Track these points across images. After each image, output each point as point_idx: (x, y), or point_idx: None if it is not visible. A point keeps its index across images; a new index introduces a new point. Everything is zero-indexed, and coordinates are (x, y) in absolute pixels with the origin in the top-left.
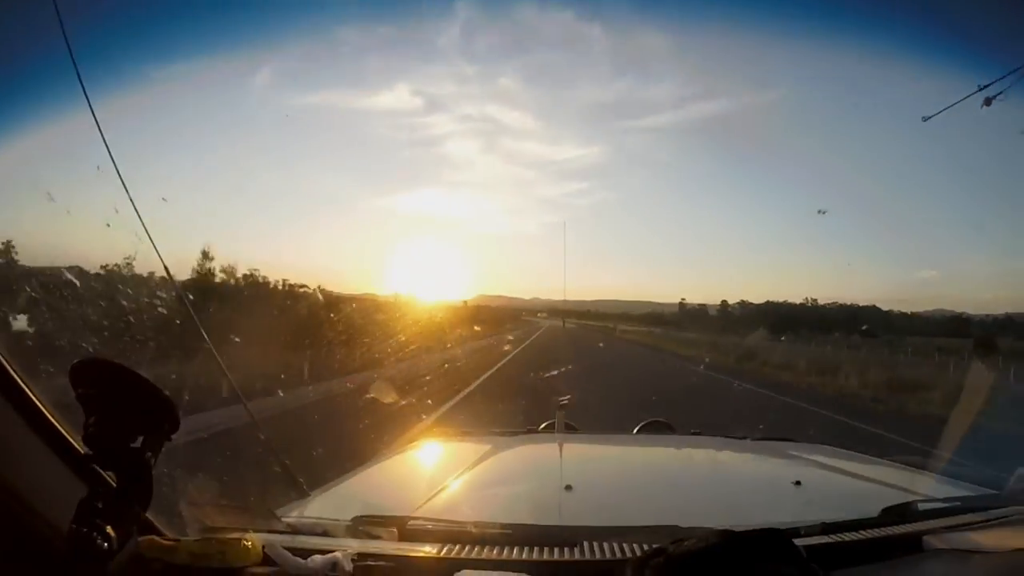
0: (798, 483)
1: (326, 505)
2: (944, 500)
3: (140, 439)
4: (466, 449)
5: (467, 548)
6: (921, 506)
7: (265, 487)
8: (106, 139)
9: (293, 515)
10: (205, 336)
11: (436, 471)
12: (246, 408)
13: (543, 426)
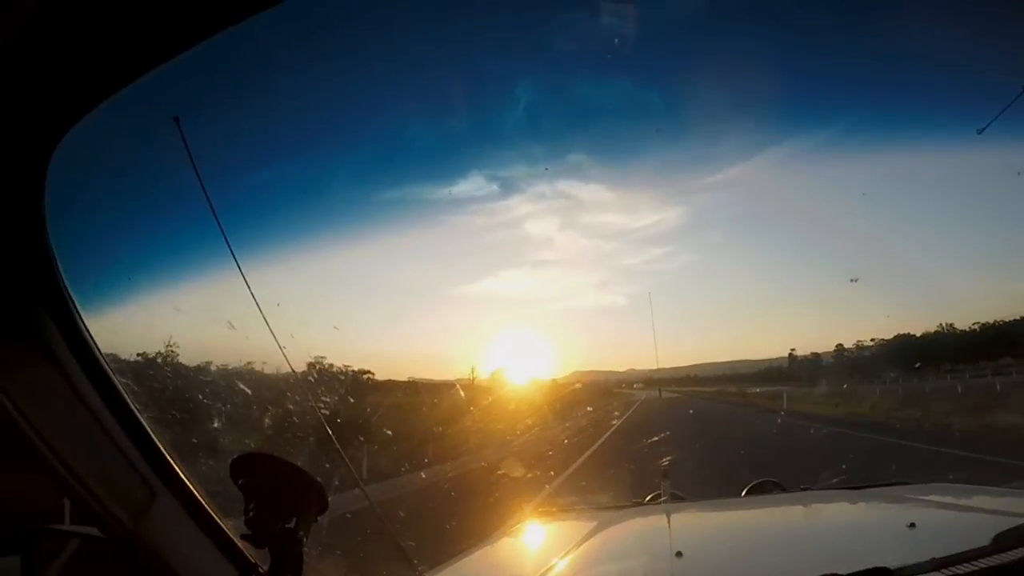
0: (912, 525)
1: None
2: None
3: (293, 520)
4: (574, 527)
5: None
6: None
7: (379, 568)
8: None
9: None
10: (328, 428)
11: (544, 551)
12: (364, 492)
13: (649, 497)
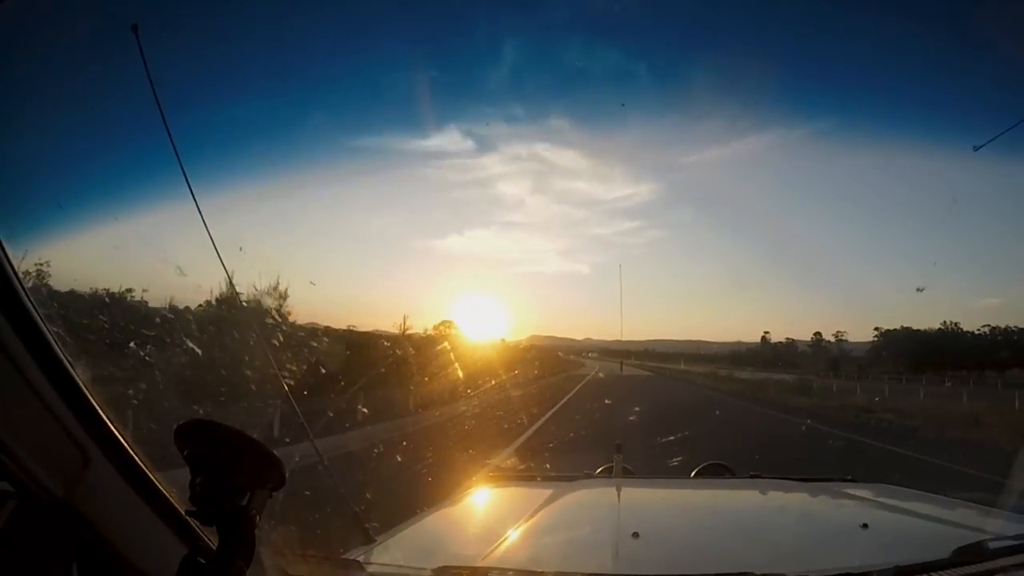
0: (865, 526)
1: (395, 552)
2: (1017, 537)
3: (246, 497)
4: (527, 495)
5: None
6: (993, 544)
7: (331, 532)
8: (197, 198)
9: (360, 560)
10: (285, 383)
11: (499, 517)
12: (316, 450)
13: (600, 469)
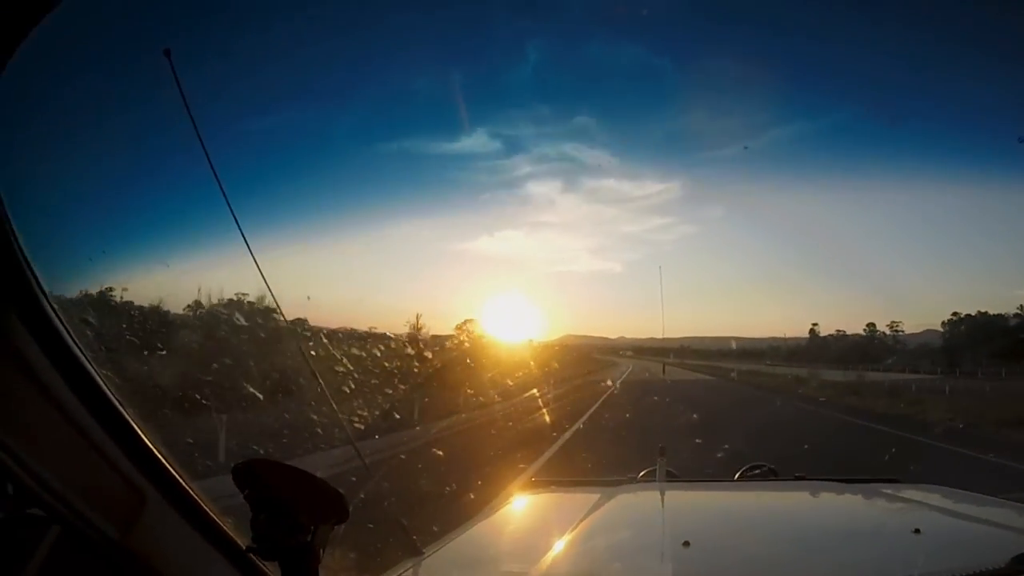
0: (917, 531)
1: (446, 566)
2: None
3: (310, 533)
4: (571, 501)
5: None
6: None
7: (385, 550)
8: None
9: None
10: (321, 383)
11: (545, 527)
12: (363, 462)
13: (643, 473)
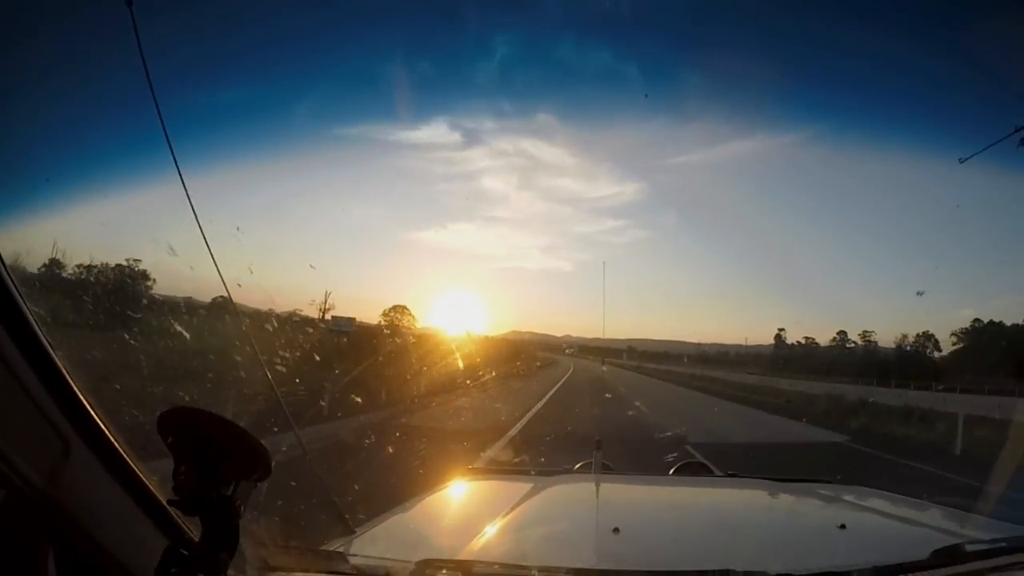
0: (843, 526)
1: (376, 543)
2: (992, 541)
3: (231, 487)
4: (507, 488)
5: None
6: (970, 547)
7: (314, 525)
8: (184, 181)
9: (342, 551)
10: (268, 371)
11: (480, 511)
12: (297, 439)
13: (579, 465)
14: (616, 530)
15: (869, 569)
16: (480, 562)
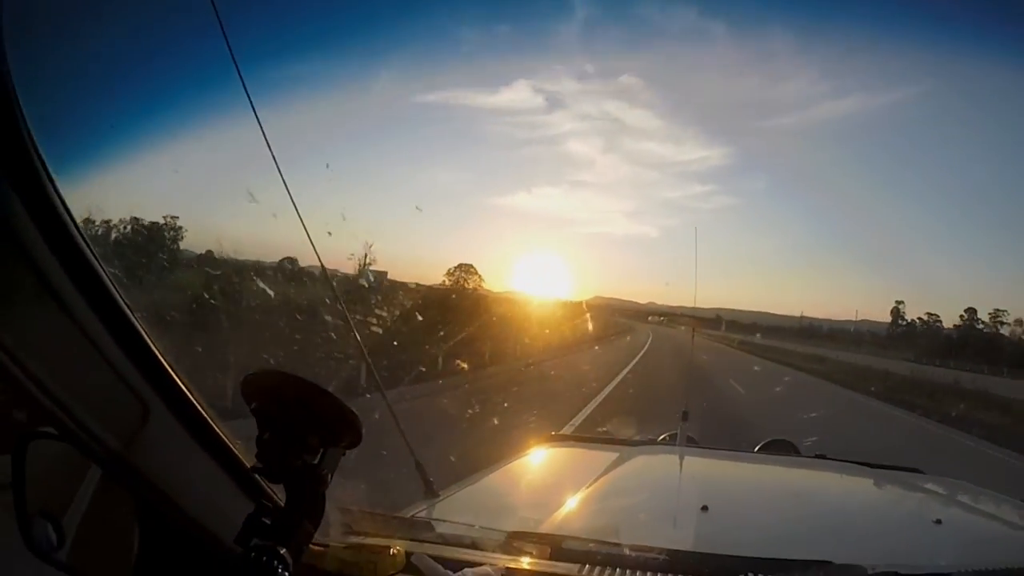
0: (939, 522)
1: (458, 510)
2: None
3: (318, 454)
4: (590, 457)
5: (619, 571)
6: None
7: (400, 490)
8: (269, 141)
9: (423, 516)
10: (356, 334)
11: (562, 480)
12: (387, 404)
13: (662, 437)
14: (705, 508)
15: (971, 572)
16: (570, 537)
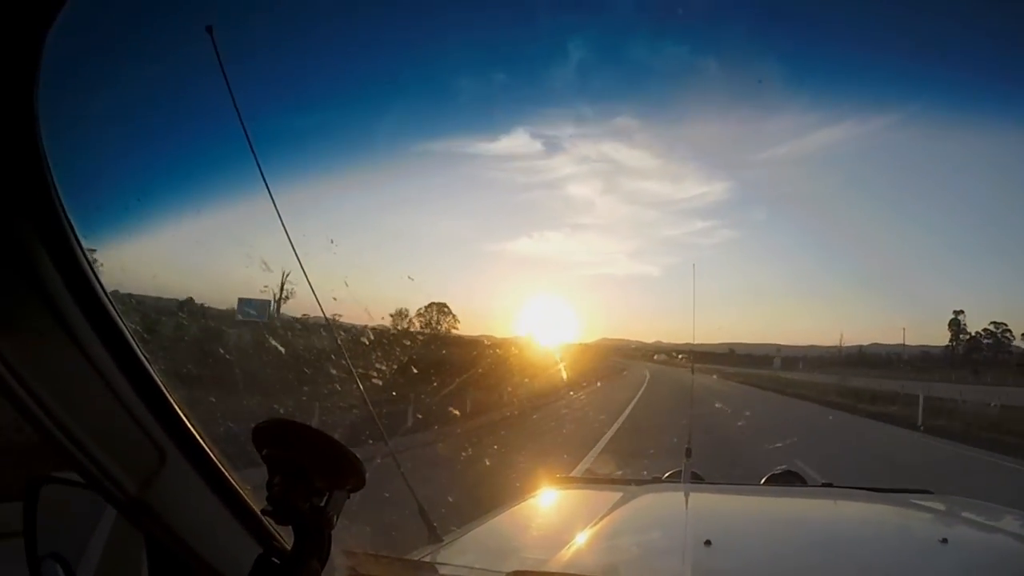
0: (944, 541)
1: (463, 552)
2: None
3: (324, 497)
4: (595, 497)
5: None
6: None
7: (398, 531)
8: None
9: (429, 560)
10: (356, 377)
11: (568, 520)
12: (390, 450)
13: (668, 474)
14: (708, 543)
15: None
16: (571, 574)
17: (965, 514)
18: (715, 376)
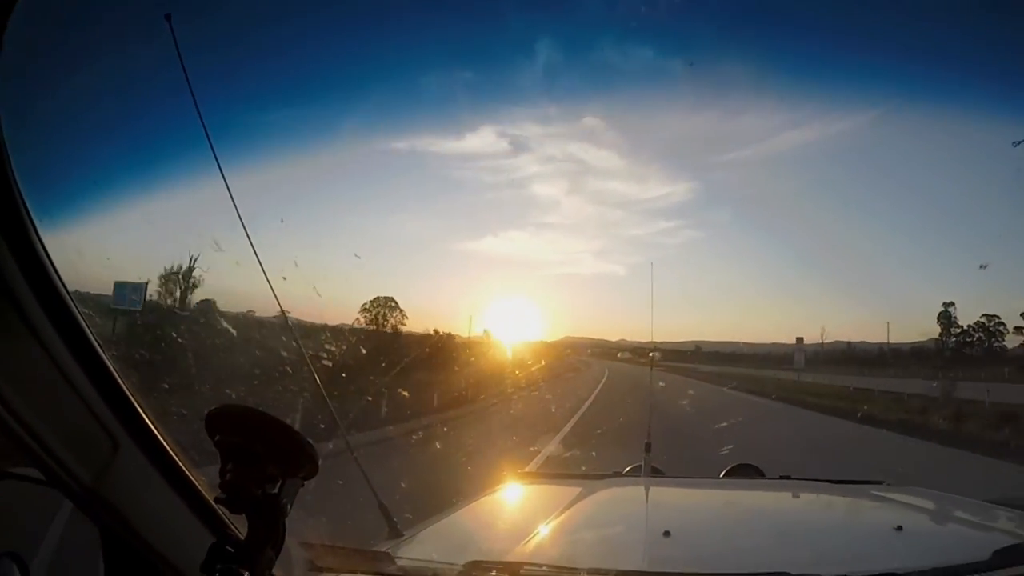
0: (899, 528)
1: (423, 546)
2: None
3: (278, 484)
4: (556, 492)
5: None
6: None
7: (357, 526)
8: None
9: (386, 552)
10: (315, 373)
11: (529, 514)
12: (346, 443)
13: (628, 469)
14: (667, 533)
15: (928, 571)
16: (528, 564)
17: (919, 503)
18: (690, 378)
